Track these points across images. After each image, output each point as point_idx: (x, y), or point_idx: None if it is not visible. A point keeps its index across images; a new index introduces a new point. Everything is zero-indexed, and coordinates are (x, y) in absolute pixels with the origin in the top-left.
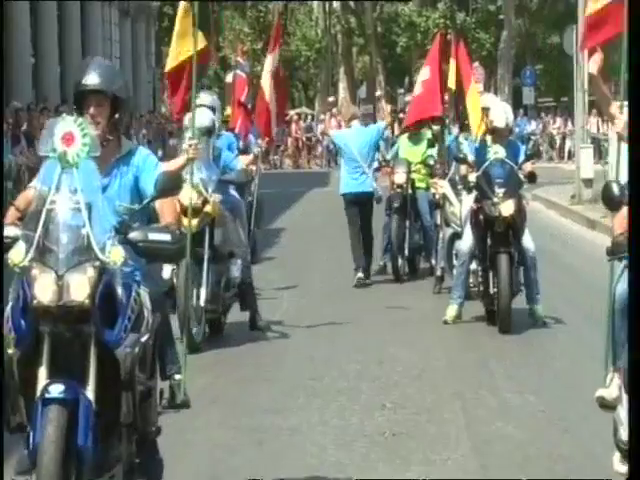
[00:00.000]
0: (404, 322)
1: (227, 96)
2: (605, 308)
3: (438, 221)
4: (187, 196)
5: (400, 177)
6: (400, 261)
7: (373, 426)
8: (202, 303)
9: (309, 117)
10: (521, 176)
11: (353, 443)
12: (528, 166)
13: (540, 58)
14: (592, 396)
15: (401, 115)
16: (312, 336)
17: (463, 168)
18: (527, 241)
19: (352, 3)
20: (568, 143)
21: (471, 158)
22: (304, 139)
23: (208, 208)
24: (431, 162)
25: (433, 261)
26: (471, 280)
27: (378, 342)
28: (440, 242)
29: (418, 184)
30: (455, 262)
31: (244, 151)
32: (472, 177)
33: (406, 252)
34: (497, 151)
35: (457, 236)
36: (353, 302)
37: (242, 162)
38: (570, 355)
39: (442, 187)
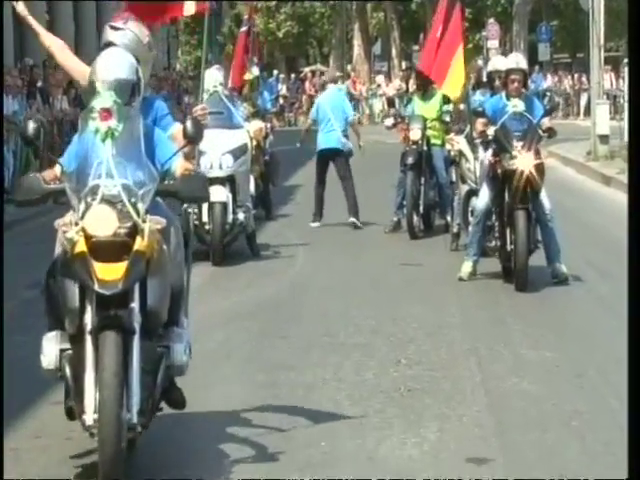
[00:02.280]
0: (418, 279)
1: None
2: (621, 263)
3: (454, 178)
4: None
5: (416, 133)
6: (415, 218)
7: (388, 382)
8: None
9: (323, 75)
10: (540, 131)
11: (368, 399)
12: (546, 121)
13: (556, 14)
14: (608, 352)
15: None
16: (327, 292)
17: (480, 123)
18: (543, 197)
19: None
20: (583, 99)
21: (489, 113)
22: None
23: (140, 244)
24: (447, 118)
25: (448, 218)
26: (488, 237)
27: (393, 299)
28: (456, 199)
29: (433, 140)
30: (471, 219)
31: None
32: (490, 131)
33: (421, 209)
34: (516, 104)
35: (473, 193)
36: (368, 258)
37: (182, 162)
38: (586, 311)
39: (458, 143)
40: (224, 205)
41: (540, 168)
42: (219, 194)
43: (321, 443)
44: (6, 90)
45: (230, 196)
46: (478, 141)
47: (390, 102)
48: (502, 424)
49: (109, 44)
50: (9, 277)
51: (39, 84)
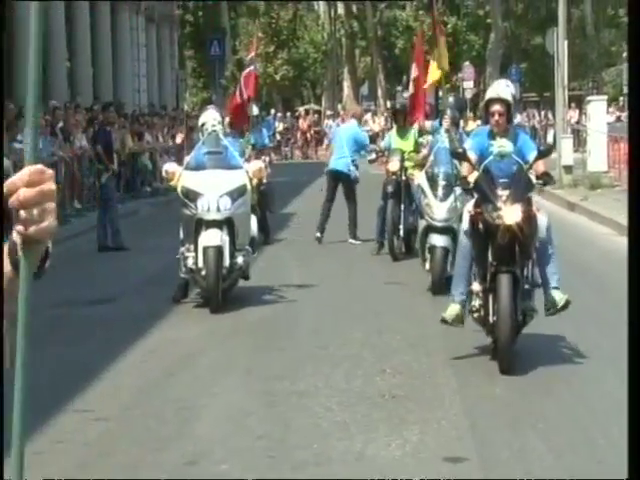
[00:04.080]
0: (401, 295)
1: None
2: (586, 282)
3: None
4: None
5: (394, 165)
6: (396, 241)
7: (374, 389)
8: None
9: (316, 113)
10: (532, 176)
11: (356, 405)
12: (541, 165)
13: (525, 57)
14: (574, 365)
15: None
16: (319, 309)
17: (465, 167)
18: (540, 216)
19: (355, 9)
20: (550, 134)
21: (475, 154)
22: (312, 132)
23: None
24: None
25: None
26: (473, 303)
27: (378, 314)
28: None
29: (410, 170)
30: (428, 255)
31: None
32: (472, 177)
33: (401, 233)
34: (502, 145)
35: (431, 229)
36: (356, 278)
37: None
38: (554, 322)
39: (417, 178)
40: (219, 249)
41: (530, 222)
42: (213, 238)
43: (313, 445)
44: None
45: (227, 239)
46: (441, 180)
47: (372, 139)
48: (476, 427)
49: None
50: (32, 297)
51: (60, 124)
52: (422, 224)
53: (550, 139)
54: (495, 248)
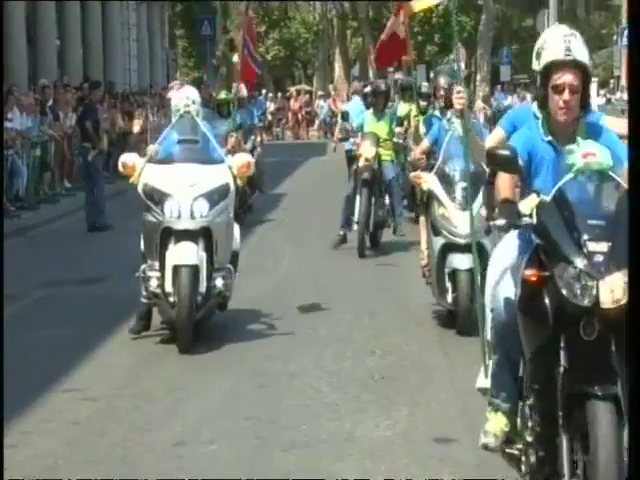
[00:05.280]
0: (393, 277)
1: (234, 75)
2: None
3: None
4: None
5: (369, 151)
6: (365, 236)
7: (364, 371)
8: None
9: (307, 94)
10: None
11: (346, 386)
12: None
13: (516, 39)
14: None
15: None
16: (310, 290)
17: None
18: None
19: None
20: None
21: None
22: (303, 113)
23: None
24: (400, 140)
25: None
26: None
27: (369, 296)
28: (428, 258)
29: (384, 157)
30: (460, 281)
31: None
32: (524, 205)
33: (370, 227)
34: (593, 152)
35: (451, 248)
36: (347, 260)
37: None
38: None
39: (427, 182)
40: (194, 269)
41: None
42: (186, 254)
43: (303, 426)
44: (21, 108)
45: (204, 256)
46: (457, 178)
47: (343, 116)
48: (466, 408)
49: None
50: (24, 277)
51: (50, 103)
52: (437, 243)
53: None
54: (579, 349)
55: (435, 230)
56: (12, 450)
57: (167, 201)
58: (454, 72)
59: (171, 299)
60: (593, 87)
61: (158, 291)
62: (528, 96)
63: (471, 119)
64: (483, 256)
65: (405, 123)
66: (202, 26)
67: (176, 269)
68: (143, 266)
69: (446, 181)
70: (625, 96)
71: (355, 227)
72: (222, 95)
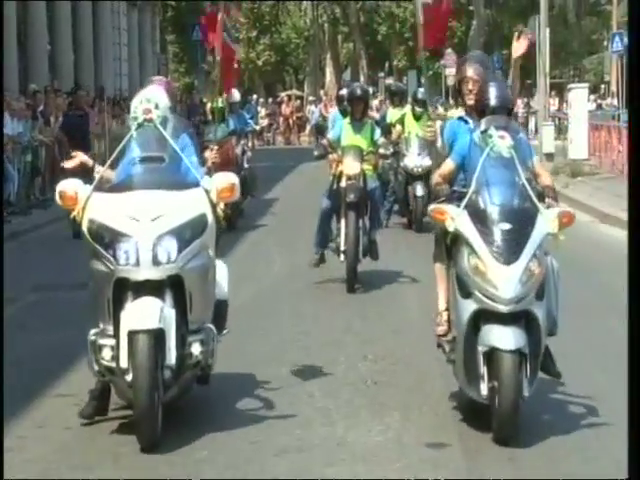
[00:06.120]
0: (385, 282)
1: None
2: (567, 269)
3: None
4: None
5: (354, 167)
6: (355, 267)
7: (356, 375)
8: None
9: (298, 99)
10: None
11: (338, 391)
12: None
13: (506, 44)
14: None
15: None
16: (302, 295)
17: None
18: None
19: None
20: (531, 121)
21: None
22: (294, 118)
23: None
24: (388, 152)
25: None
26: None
27: (361, 301)
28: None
29: (367, 172)
30: (502, 366)
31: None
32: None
33: (360, 254)
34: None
35: (490, 318)
36: (338, 265)
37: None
38: None
39: (454, 220)
40: (157, 335)
41: None
42: (148, 315)
43: (296, 431)
44: (12, 113)
45: (172, 315)
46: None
47: (319, 130)
48: (458, 413)
49: None
50: (16, 282)
51: (41, 108)
52: (466, 308)
53: (532, 126)
54: None
55: (463, 290)
56: (10, 454)
57: (121, 242)
58: (485, 60)
59: (128, 378)
60: (584, 92)
61: (112, 365)
62: (519, 100)
63: (519, 133)
64: (533, 331)
65: (398, 127)
66: (193, 31)
67: (132, 336)
68: (92, 331)
69: (482, 220)
70: (615, 102)
71: (334, 246)
72: (219, 104)
